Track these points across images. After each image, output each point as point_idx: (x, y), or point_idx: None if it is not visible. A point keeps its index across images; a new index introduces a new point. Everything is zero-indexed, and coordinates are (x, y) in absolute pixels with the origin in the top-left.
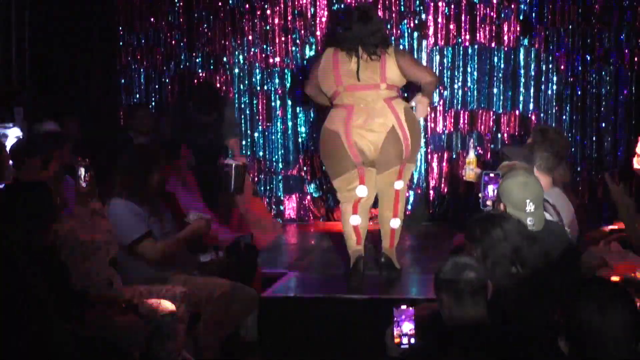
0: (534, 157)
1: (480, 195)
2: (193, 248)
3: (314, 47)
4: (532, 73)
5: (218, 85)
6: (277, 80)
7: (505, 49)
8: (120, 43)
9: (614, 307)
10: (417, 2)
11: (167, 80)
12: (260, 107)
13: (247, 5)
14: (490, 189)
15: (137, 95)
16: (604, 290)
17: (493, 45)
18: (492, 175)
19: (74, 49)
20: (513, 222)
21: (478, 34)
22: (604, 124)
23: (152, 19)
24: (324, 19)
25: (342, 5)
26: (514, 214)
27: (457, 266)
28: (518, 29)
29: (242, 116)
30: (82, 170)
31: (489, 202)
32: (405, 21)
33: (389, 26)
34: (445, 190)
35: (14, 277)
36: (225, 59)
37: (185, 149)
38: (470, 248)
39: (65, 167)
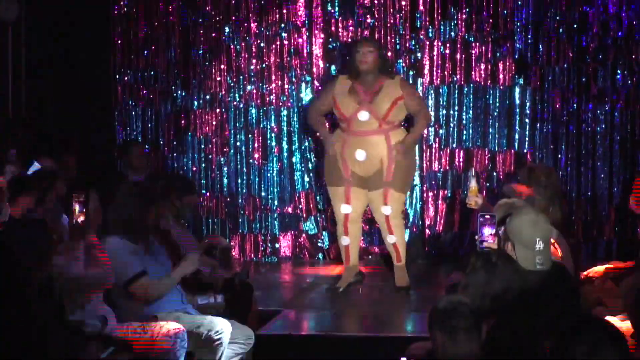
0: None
1: (476, 237)
2: (191, 289)
3: (309, 85)
4: (528, 111)
5: (214, 123)
6: (273, 118)
7: (501, 87)
8: (117, 79)
9: (607, 349)
10: (413, 40)
11: (163, 117)
12: (256, 145)
13: (243, 43)
14: (486, 231)
15: (133, 132)
16: (598, 332)
17: (488, 83)
18: (487, 216)
19: (69, 85)
20: (510, 264)
21: (473, 73)
22: (599, 163)
23: (148, 56)
24: (319, 57)
25: (338, 44)
26: (523, 253)
27: (451, 303)
28: (513, 67)
29: (238, 154)
30: (76, 206)
31: (485, 244)
32: (401, 60)
33: None
34: (441, 228)
35: (14, 313)
36: (221, 97)
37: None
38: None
39: (62, 203)
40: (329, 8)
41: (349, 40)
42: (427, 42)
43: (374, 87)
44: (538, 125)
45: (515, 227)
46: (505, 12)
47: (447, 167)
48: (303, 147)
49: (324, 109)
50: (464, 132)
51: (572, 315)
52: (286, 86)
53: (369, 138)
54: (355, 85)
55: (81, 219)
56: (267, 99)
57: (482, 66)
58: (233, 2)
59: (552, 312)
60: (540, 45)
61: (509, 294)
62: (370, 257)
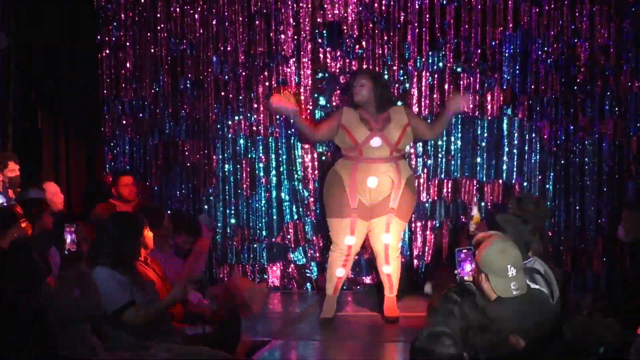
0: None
1: (455, 272)
2: (180, 319)
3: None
4: (516, 142)
5: (202, 153)
6: (261, 149)
7: (489, 118)
8: (105, 110)
9: None
10: (401, 71)
11: (151, 148)
12: (244, 175)
13: (231, 74)
14: (467, 266)
15: (121, 163)
16: None
17: (477, 114)
18: (465, 251)
19: (58, 116)
20: (470, 299)
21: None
22: (587, 193)
23: (136, 87)
24: (308, 87)
25: (327, 74)
26: (498, 281)
27: (432, 335)
28: (501, 98)
29: (226, 184)
30: (68, 236)
31: (466, 278)
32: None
33: None
34: (429, 259)
35: (3, 344)
36: (209, 127)
37: (167, 217)
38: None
39: (50, 235)
40: (318, 39)
41: (337, 70)
42: (415, 73)
43: (382, 115)
44: (526, 155)
45: (485, 259)
46: (493, 42)
47: (436, 198)
48: (291, 177)
49: (323, 137)
50: (452, 163)
51: (555, 342)
52: (274, 117)
53: (380, 165)
54: (362, 113)
55: (73, 248)
56: (255, 129)
57: (471, 97)
58: (222, 32)
59: (529, 335)
60: (528, 76)
61: (472, 330)
62: (359, 287)
